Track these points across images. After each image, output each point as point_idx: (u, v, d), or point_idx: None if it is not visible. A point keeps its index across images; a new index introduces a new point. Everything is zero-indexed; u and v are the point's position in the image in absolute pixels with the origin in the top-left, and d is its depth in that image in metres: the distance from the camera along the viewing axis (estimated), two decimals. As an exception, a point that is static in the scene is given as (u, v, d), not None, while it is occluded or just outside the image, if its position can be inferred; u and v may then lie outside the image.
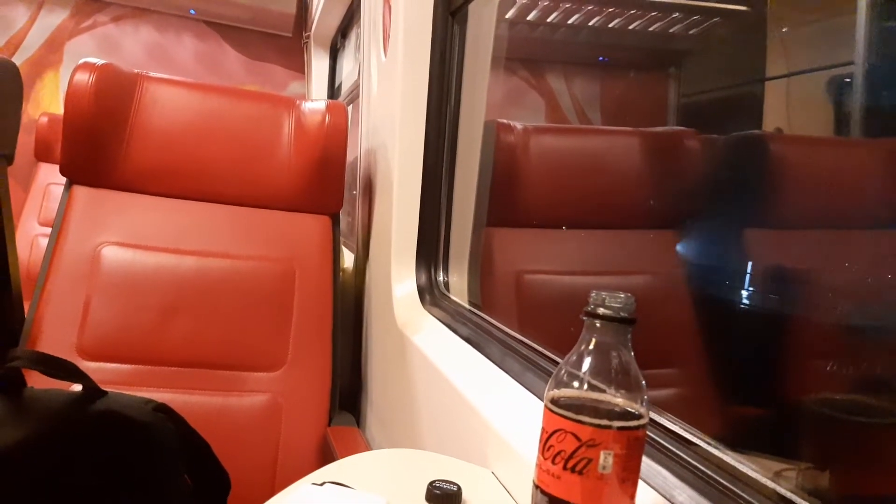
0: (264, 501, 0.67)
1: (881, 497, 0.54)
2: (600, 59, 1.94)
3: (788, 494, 0.50)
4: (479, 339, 1.05)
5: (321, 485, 0.66)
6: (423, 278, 1.34)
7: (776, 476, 0.56)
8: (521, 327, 1.04)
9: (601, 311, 0.49)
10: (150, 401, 0.86)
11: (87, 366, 1.27)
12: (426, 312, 1.28)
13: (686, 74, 1.31)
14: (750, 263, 0.99)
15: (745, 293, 0.99)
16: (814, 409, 0.64)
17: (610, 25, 1.62)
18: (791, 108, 0.95)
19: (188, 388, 1.32)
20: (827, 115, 0.85)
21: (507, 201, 1.38)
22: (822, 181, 0.91)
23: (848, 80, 0.78)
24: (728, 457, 0.55)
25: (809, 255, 0.88)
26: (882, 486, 0.55)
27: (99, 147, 1.40)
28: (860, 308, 0.68)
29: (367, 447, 1.28)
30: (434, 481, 0.68)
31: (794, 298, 0.86)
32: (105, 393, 0.85)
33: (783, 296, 0.89)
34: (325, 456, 1.31)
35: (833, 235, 0.84)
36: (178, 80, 1.52)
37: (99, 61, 1.39)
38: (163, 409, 0.85)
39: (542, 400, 0.50)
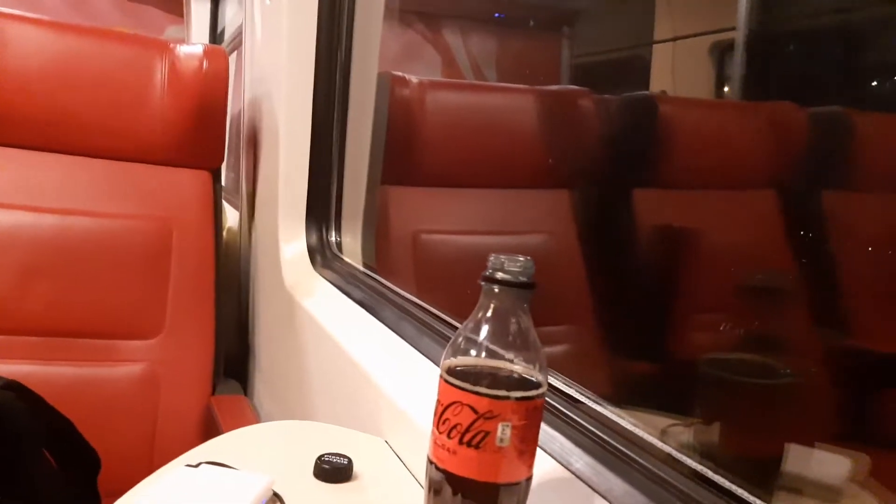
0: (143, 478, 0.63)
1: (765, 456, 0.56)
2: (496, 15, 1.91)
3: (680, 456, 0.51)
4: (373, 302, 1.01)
5: (196, 466, 0.60)
6: (314, 238, 1.27)
7: (663, 433, 0.56)
8: (418, 290, 1.01)
9: (500, 275, 0.46)
10: (-3, 378, 0.77)
11: (-73, 338, 1.13)
12: (317, 275, 1.22)
13: (578, 34, 1.30)
14: (639, 222, 1.01)
15: (634, 251, 1.01)
16: (700, 369, 0.66)
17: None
18: (676, 71, 0.96)
19: (51, 358, 1.22)
20: (708, 79, 0.87)
21: (402, 158, 1.33)
22: (703, 142, 0.94)
23: (729, 44, 0.79)
24: (624, 421, 0.55)
25: (696, 214, 0.90)
26: (765, 446, 0.57)
27: (-64, 89, 1.22)
28: (746, 268, 0.70)
29: (255, 416, 1.23)
30: (322, 455, 0.64)
31: (682, 257, 0.88)
32: (-60, 372, 0.74)
33: (672, 254, 0.91)
34: (210, 428, 1.24)
35: (716, 195, 0.87)
36: (35, 17, 1.35)
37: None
38: (12, 387, 0.76)
39: (438, 366, 0.47)
